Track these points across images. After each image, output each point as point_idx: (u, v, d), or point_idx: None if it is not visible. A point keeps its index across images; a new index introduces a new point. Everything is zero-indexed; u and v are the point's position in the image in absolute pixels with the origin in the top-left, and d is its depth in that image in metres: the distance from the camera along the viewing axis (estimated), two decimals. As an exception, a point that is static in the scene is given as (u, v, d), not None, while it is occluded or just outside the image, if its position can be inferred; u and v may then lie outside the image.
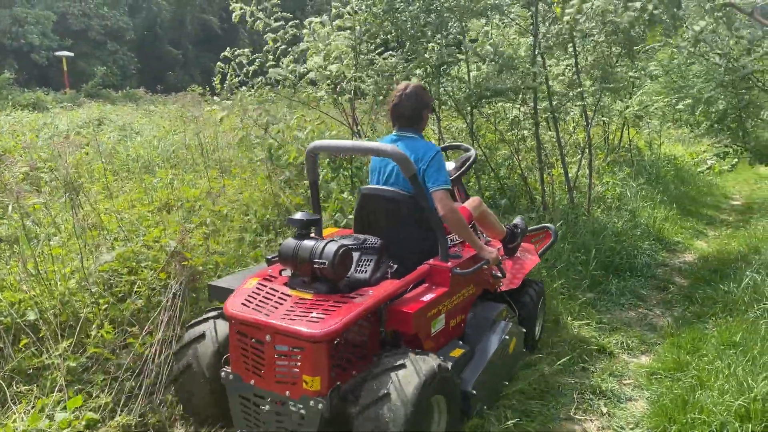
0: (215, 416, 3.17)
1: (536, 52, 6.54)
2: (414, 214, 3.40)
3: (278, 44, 6.01)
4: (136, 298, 3.79)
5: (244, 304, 2.94)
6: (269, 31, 5.92)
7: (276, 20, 5.90)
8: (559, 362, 4.03)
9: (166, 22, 37.44)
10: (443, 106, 6.88)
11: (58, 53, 30.52)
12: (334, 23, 6.00)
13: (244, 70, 5.99)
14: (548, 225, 4.92)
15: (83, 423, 2.96)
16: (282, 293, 3.02)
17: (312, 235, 3.20)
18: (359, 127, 6.29)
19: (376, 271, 3.17)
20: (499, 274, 3.81)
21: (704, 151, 14.13)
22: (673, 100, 8.83)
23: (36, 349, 3.32)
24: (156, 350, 3.49)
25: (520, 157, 7.42)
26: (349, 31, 5.87)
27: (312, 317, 2.77)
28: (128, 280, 3.91)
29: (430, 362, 2.76)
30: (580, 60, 6.68)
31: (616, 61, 6.63)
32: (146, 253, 4.11)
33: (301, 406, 2.74)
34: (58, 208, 4.98)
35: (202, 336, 3.14)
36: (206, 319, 3.24)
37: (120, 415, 3.10)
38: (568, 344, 4.37)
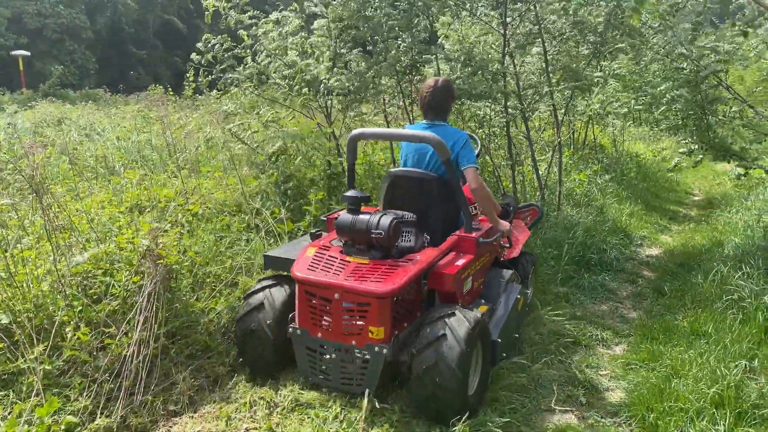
0: (273, 370, 3.67)
1: (505, 51, 6.63)
2: (441, 194, 3.89)
3: (251, 42, 5.94)
4: (112, 299, 3.70)
5: (310, 269, 3.45)
6: (242, 28, 5.85)
7: (250, 17, 5.83)
8: (538, 356, 4.10)
9: (131, 22, 36.64)
10: (415, 105, 6.90)
11: (13, 53, 29.57)
12: (298, 21, 5.96)
13: (219, 66, 5.88)
14: (534, 203, 5.42)
15: (63, 427, 2.89)
16: (341, 259, 3.53)
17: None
18: (332, 126, 6.26)
19: (417, 241, 3.67)
20: (507, 245, 4.36)
21: (664, 149, 14.51)
22: (633, 100, 9.06)
23: (10, 354, 3.22)
24: (134, 351, 3.41)
25: (491, 155, 7.49)
26: (323, 28, 5.84)
27: (375, 278, 3.30)
28: (103, 282, 3.82)
29: (474, 312, 3.34)
30: (548, 59, 6.80)
31: (588, 62, 6.75)
32: (120, 254, 4.03)
33: (366, 352, 3.29)
34: (26, 210, 4.83)
35: (262, 304, 3.61)
36: (262, 288, 3.70)
37: (100, 418, 3.03)
38: (545, 338, 4.44)
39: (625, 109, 9.09)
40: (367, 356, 3.30)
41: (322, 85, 5.68)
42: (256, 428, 3.23)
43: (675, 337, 4.47)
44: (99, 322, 3.54)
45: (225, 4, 5.75)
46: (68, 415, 2.97)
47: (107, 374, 3.28)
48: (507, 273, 4.20)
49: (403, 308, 3.49)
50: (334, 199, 5.77)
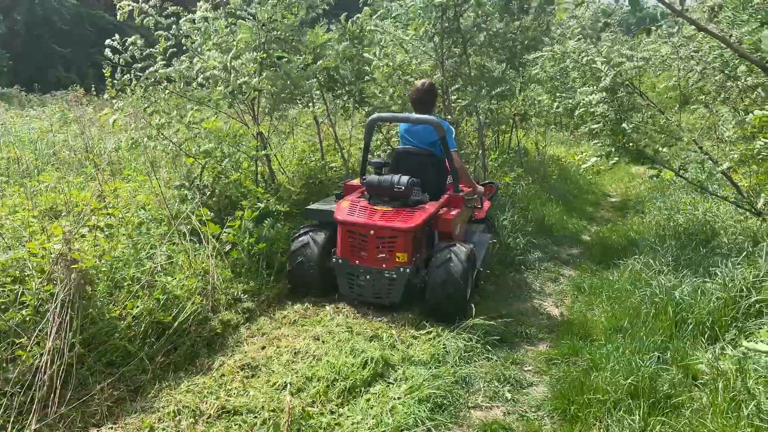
0: (317, 292, 4.97)
1: (443, 61, 6.76)
2: (433, 165, 5.21)
3: (170, 42, 5.76)
4: (22, 307, 3.50)
5: (349, 214, 4.74)
6: (160, 29, 5.65)
7: (167, 17, 5.65)
8: (466, 354, 4.16)
9: (53, 17, 34.58)
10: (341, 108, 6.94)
11: None
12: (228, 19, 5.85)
13: (136, 65, 5.67)
14: (492, 181, 6.58)
15: (-32, 444, 2.71)
16: (371, 208, 4.82)
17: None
18: (259, 126, 6.17)
19: (423, 196, 4.96)
20: (479, 206, 5.62)
21: (583, 152, 15.09)
22: (555, 104, 9.40)
23: None
24: (47, 361, 3.24)
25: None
26: (251, 26, 5.74)
27: (400, 219, 4.63)
28: (12, 290, 3.61)
29: (468, 246, 4.71)
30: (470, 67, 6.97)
31: (506, 68, 6.96)
32: (32, 261, 3.81)
33: (393, 273, 4.60)
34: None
35: (307, 242, 4.89)
36: (306, 232, 4.97)
37: (10, 434, 2.86)
38: (473, 336, 4.49)
39: (545, 112, 9.44)
40: (394, 275, 4.59)
41: (244, 86, 5.57)
42: (180, 437, 3.13)
43: (594, 332, 4.66)
44: (8, 332, 3.34)
45: (142, 5, 5.53)
46: (-26, 431, 2.79)
47: (18, 386, 3.10)
48: (480, 226, 5.72)
49: (417, 242, 4.74)
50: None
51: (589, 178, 12.55)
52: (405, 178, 4.79)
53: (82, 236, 4.16)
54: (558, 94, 9.42)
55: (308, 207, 5.16)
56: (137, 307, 3.85)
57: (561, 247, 7.47)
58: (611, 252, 6.94)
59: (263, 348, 4.09)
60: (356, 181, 5.48)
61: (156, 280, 4.14)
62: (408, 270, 4.56)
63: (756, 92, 6.09)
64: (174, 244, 4.72)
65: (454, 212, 4.92)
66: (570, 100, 7.73)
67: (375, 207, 4.80)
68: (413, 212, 4.70)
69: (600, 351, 4.16)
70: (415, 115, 5.23)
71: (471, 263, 4.67)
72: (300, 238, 4.95)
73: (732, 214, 6.76)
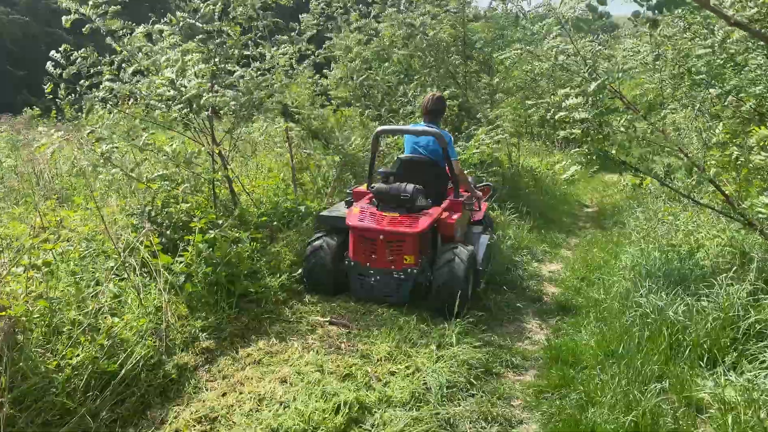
0: (332, 291, 5.26)
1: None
2: (435, 172, 5.62)
3: (122, 55, 5.36)
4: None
5: (360, 220, 5.09)
6: (113, 39, 5.24)
7: (120, 28, 5.23)
8: (448, 392, 3.79)
9: (15, 39, 33.50)
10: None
11: None
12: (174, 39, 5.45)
13: (83, 82, 5.23)
14: (489, 183, 6.93)
15: None
16: (380, 214, 5.16)
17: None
18: (220, 145, 5.76)
19: (427, 202, 5.31)
20: (477, 209, 5.92)
21: (556, 162, 14.92)
22: (529, 111, 9.17)
23: None
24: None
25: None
26: (202, 42, 5.35)
27: (407, 224, 4.98)
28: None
29: (469, 247, 5.16)
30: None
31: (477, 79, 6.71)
32: (-42, 306, 3.35)
33: (401, 273, 4.97)
34: None
35: (321, 246, 5.22)
36: (320, 236, 5.33)
37: None
38: (455, 370, 4.11)
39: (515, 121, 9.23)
40: (402, 276, 4.97)
41: (195, 104, 5.17)
42: None
43: (584, 358, 4.32)
44: None
45: (92, 11, 5.11)
46: None
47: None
48: (479, 228, 5.95)
49: (423, 245, 5.09)
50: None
51: (564, 189, 12.32)
52: (411, 186, 5.19)
53: (15, 277, 3.70)
54: (530, 103, 9.18)
55: (321, 214, 5.56)
56: (77, 355, 3.40)
57: (541, 263, 7.17)
58: (593, 267, 6.66)
59: (224, 395, 3.67)
60: (362, 187, 5.85)
61: (100, 323, 3.69)
62: (415, 270, 4.95)
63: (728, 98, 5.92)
64: (122, 279, 4.27)
65: (455, 216, 5.29)
66: (545, 109, 7.46)
67: (384, 213, 5.15)
68: (419, 217, 5.07)
69: (593, 382, 3.82)
70: (418, 128, 5.60)
71: (472, 264, 5.04)
72: (314, 243, 5.30)
73: (714, 223, 6.52)
